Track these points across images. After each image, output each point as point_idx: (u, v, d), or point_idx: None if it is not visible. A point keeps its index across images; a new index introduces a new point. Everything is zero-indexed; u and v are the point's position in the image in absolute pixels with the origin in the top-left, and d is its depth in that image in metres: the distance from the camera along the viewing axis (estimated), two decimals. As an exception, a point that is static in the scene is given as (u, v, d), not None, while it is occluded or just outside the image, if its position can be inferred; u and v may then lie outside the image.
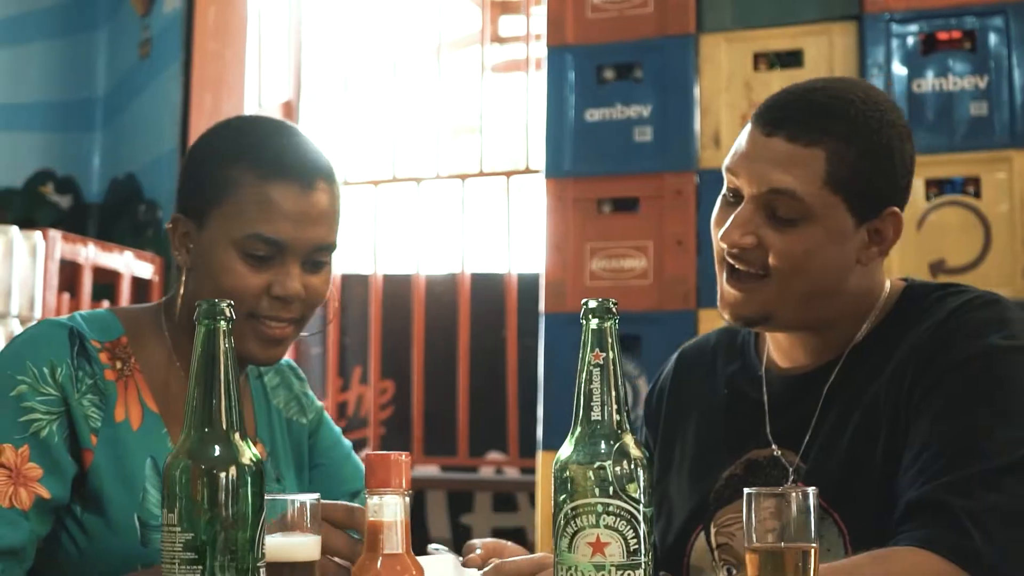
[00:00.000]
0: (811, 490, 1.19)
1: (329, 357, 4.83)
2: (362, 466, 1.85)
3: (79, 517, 1.55)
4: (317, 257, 1.62)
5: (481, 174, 4.64)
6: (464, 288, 4.59)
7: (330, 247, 1.63)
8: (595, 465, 1.10)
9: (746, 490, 1.19)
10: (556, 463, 1.12)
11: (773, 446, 1.54)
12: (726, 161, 1.54)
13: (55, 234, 3.10)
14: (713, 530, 1.55)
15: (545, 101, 3.62)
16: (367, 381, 4.80)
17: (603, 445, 1.11)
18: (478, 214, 4.68)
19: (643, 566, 1.09)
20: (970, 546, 1.30)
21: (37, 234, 2.90)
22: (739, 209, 1.51)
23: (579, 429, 1.12)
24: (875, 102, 1.51)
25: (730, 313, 1.53)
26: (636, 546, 1.09)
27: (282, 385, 1.83)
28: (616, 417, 1.12)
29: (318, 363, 4.89)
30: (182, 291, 1.66)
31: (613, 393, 1.12)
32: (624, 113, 3.50)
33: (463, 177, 4.64)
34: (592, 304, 1.14)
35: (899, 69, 3.23)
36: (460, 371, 4.56)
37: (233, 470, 1.08)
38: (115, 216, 4.10)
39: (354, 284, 4.81)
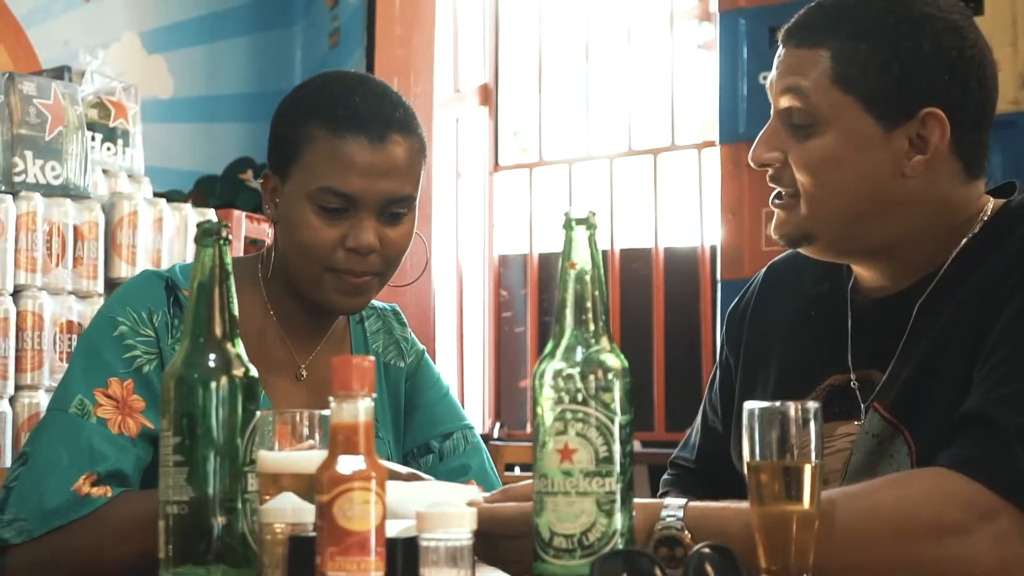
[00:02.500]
0: (812, 405, 1.13)
1: (529, 336, 4.89)
2: (457, 407, 1.88)
3: None
4: (393, 209, 1.64)
5: (673, 147, 4.60)
6: (658, 262, 4.56)
7: (406, 199, 1.65)
8: (564, 373, 1.09)
9: (746, 405, 1.15)
10: (534, 373, 1.12)
11: (851, 371, 1.46)
12: None
13: (239, 214, 3.27)
14: None
15: (718, 66, 3.56)
16: (568, 360, 4.83)
17: (575, 353, 1.10)
18: (671, 188, 4.64)
19: (614, 474, 1.08)
20: (1008, 466, 1.20)
21: (211, 212, 3.07)
22: (765, 127, 1.45)
23: (555, 338, 1.12)
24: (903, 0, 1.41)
25: (775, 233, 1.47)
26: (606, 454, 1.08)
27: (383, 330, 1.86)
28: (592, 326, 1.11)
29: (520, 342, 4.96)
30: (270, 244, 1.74)
31: (588, 302, 1.11)
32: (798, 73, 3.39)
33: (655, 152, 4.61)
34: (572, 214, 1.13)
35: (1088, 8, 3.00)
36: (655, 346, 4.53)
37: (218, 379, 1.13)
38: (311, 200, 4.29)
39: (553, 263, 4.86)
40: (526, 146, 4.92)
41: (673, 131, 4.58)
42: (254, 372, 1.17)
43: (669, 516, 1.22)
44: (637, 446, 4.67)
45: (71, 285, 2.68)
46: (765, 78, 3.93)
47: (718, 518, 1.22)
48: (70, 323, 2.62)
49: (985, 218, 1.42)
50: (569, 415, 1.08)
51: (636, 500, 1.25)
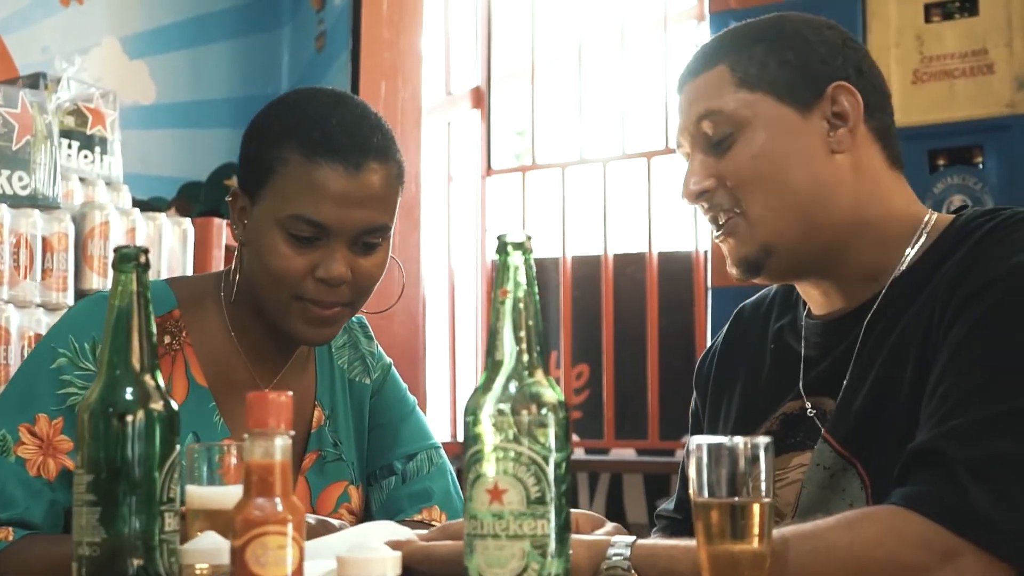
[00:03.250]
0: (762, 440, 1.08)
1: (523, 342, 4.81)
2: (423, 426, 1.82)
3: None
4: (367, 239, 1.58)
5: (668, 151, 4.53)
6: (652, 267, 4.49)
7: (380, 229, 1.59)
8: (496, 408, 1.03)
9: (694, 440, 1.09)
10: (465, 408, 1.06)
11: (804, 398, 1.42)
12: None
13: (220, 222, 3.22)
14: None
15: (708, 69, 3.50)
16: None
17: (505, 387, 1.03)
18: (666, 192, 4.57)
19: (548, 516, 1.01)
20: (961, 503, 1.14)
21: (187, 221, 3.01)
22: (687, 168, 1.45)
23: (487, 370, 1.06)
24: (772, 15, 1.48)
25: (732, 264, 1.44)
26: (539, 494, 1.01)
27: (348, 344, 1.80)
28: (524, 357, 1.05)
29: (514, 348, 4.90)
30: (235, 266, 1.68)
31: (521, 332, 1.05)
32: (789, 76, 3.33)
33: (648, 156, 4.55)
34: (504, 238, 1.07)
35: (1083, 9, 2.93)
36: (649, 352, 4.47)
37: (135, 413, 1.08)
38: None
39: (546, 268, 4.80)
40: (527, 146, 4.85)
41: (667, 134, 4.51)
42: (174, 405, 1.11)
43: (616, 555, 1.16)
44: (631, 454, 4.60)
45: (39, 298, 2.62)
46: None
47: (667, 557, 1.16)
48: (39, 336, 2.57)
49: (928, 230, 1.40)
50: (500, 453, 1.02)
51: (583, 537, 1.20)
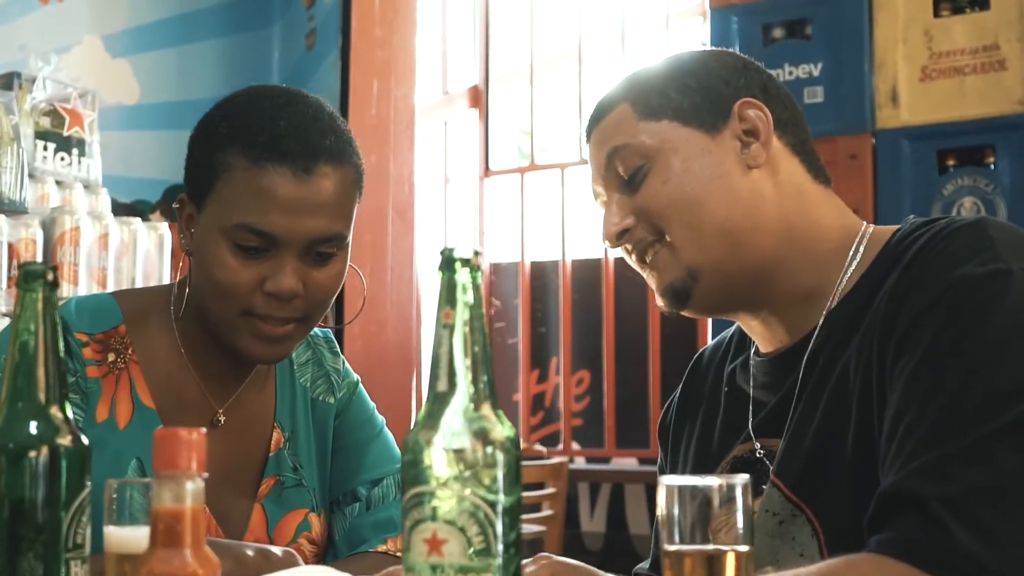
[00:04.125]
0: (739, 479, 0.96)
1: (522, 347, 4.71)
2: (391, 449, 1.70)
3: None
4: (321, 249, 1.47)
5: (669, 151, 4.42)
6: (654, 272, 4.38)
7: (334, 238, 1.47)
8: (433, 446, 0.91)
9: (663, 479, 0.97)
10: (403, 444, 0.94)
11: (754, 439, 1.35)
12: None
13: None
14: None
15: (708, 66, 3.39)
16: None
17: (450, 422, 0.92)
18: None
19: (493, 569, 0.90)
20: (946, 546, 1.05)
21: (164, 226, 2.91)
22: (604, 213, 1.40)
23: (428, 403, 0.94)
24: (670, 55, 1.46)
25: (661, 296, 1.37)
26: (483, 545, 0.89)
27: (312, 361, 1.69)
28: (470, 389, 0.93)
29: (513, 353, 4.79)
30: (180, 277, 1.58)
31: (468, 360, 0.93)
32: (793, 74, 3.24)
33: (650, 155, 4.44)
34: (450, 253, 0.95)
35: (1099, 2, 2.82)
36: (651, 356, 4.36)
37: (38, 449, 0.96)
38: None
39: (546, 271, 4.69)
40: (530, 144, 4.73)
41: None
42: (85, 440, 1.00)
43: (577, 606, 1.05)
44: (633, 463, 4.49)
45: (5, 307, 2.52)
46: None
47: (633, 609, 1.05)
48: (4, 348, 2.47)
49: (864, 244, 1.33)
50: (440, 497, 0.90)
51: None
